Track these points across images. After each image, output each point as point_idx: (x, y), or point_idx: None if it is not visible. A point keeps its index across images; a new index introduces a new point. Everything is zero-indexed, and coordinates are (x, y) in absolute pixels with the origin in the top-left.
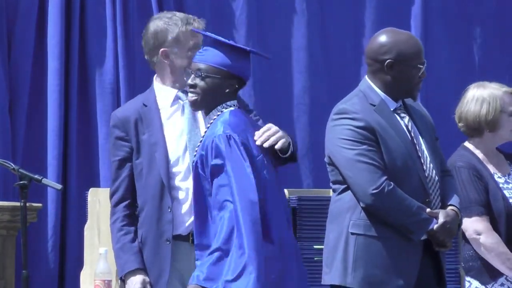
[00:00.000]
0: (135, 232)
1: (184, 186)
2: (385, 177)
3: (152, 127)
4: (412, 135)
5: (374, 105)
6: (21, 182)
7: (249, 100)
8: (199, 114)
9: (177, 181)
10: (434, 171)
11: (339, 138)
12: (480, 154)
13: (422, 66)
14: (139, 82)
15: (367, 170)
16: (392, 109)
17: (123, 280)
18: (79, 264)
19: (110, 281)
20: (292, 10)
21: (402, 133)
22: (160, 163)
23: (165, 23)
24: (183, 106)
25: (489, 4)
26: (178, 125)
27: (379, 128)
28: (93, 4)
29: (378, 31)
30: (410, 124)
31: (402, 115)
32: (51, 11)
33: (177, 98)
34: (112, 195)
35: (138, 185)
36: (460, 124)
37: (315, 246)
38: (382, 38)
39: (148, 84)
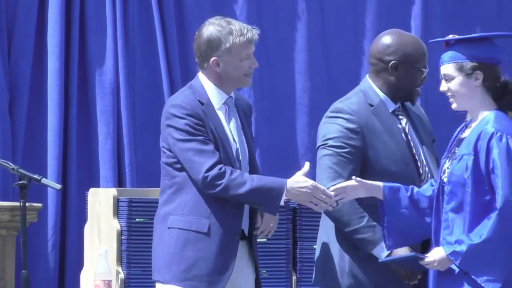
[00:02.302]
0: None
1: None
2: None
3: (216, 126)
4: (409, 137)
5: (373, 106)
6: (20, 182)
7: (249, 100)
8: (238, 122)
9: None
10: (429, 175)
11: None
12: None
13: (425, 70)
14: (139, 82)
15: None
16: (390, 111)
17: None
18: (79, 264)
19: (110, 281)
20: (292, 10)
21: (397, 136)
22: (233, 160)
23: (219, 31)
24: (229, 112)
25: (489, 4)
26: (229, 129)
27: (368, 132)
28: (93, 4)
29: (380, 31)
30: (407, 126)
31: (400, 117)
32: (51, 11)
33: (225, 102)
34: (215, 165)
35: None
36: None
37: (315, 246)
38: (388, 39)
39: (148, 84)
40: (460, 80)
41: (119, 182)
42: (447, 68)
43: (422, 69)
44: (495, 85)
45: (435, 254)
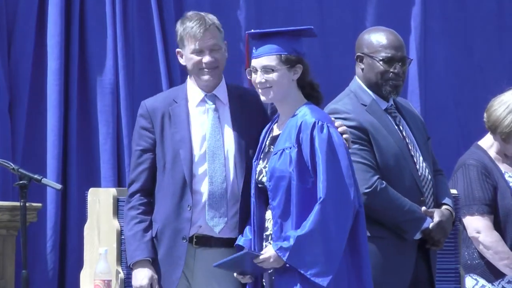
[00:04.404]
0: (150, 222)
1: (199, 189)
2: (377, 176)
3: (178, 124)
4: (404, 134)
5: (366, 105)
6: (21, 182)
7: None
8: (224, 119)
9: (194, 183)
10: (427, 170)
11: None
12: (492, 153)
13: (388, 61)
14: (139, 82)
15: (359, 169)
16: (383, 109)
17: (131, 268)
18: (79, 264)
19: (110, 281)
20: (291, 10)
21: (394, 132)
22: (185, 161)
23: (179, 22)
24: (208, 110)
25: (489, 4)
26: (203, 127)
27: (371, 128)
28: (93, 4)
29: None
30: (401, 123)
31: (394, 114)
32: (51, 11)
33: (204, 100)
34: (130, 184)
35: (159, 178)
36: (485, 115)
37: None
38: (361, 34)
39: (148, 84)
40: (283, 72)
41: (119, 182)
42: (268, 60)
43: (385, 59)
44: (305, 80)
45: (269, 251)
